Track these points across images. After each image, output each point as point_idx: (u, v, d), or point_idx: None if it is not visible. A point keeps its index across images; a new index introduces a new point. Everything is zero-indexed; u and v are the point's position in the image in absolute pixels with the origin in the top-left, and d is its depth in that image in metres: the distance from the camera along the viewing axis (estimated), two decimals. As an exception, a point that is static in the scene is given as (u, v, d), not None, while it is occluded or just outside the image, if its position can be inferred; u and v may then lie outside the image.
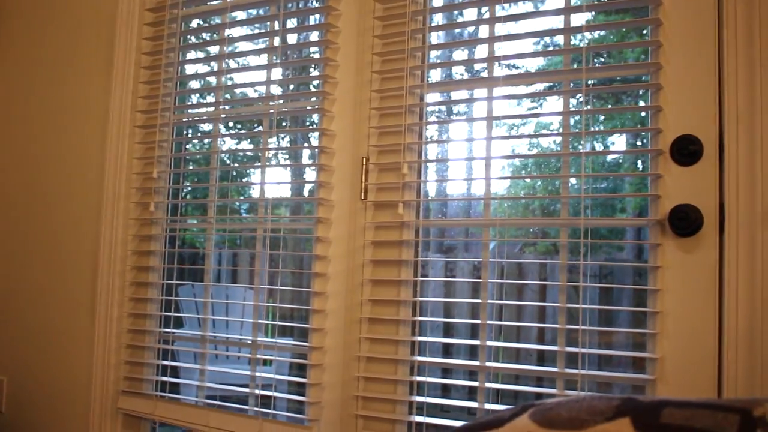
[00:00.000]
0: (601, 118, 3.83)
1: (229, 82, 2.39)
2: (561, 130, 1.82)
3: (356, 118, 2.12)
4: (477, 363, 1.85)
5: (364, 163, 2.08)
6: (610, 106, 3.15)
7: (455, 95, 2.26)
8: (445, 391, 2.27)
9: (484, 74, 1.95)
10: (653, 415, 0.91)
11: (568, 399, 1.02)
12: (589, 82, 1.78)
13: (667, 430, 0.87)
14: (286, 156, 3.42)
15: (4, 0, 2.94)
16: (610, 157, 4.24)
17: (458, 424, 1.24)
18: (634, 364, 1.69)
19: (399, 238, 2.01)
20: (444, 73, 4.03)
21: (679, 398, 0.93)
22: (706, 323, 1.59)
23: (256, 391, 2.15)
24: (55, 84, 2.73)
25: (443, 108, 4.03)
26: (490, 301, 1.86)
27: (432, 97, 2.11)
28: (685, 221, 1.62)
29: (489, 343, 1.85)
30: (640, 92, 1.82)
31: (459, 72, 4.56)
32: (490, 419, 1.06)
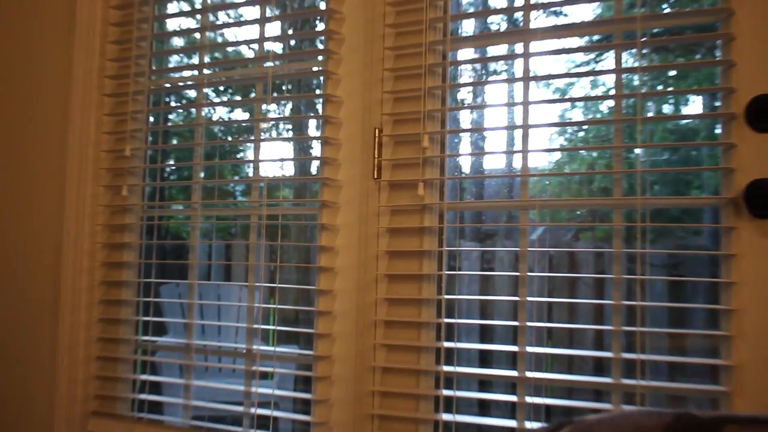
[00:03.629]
0: (671, 74, 3.82)
1: (218, 40, 2.41)
2: (617, 92, 1.83)
3: (367, 82, 2.13)
4: (515, 373, 1.86)
5: (377, 135, 2.09)
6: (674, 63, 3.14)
7: (487, 52, 2.26)
8: (481, 407, 2.28)
9: (523, 25, 1.95)
10: (712, 432, 0.92)
11: (612, 415, 1.03)
12: (647, 33, 1.78)
13: (728, 452, 0.88)
14: (289, 127, 3.44)
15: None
16: (682, 123, 4.21)
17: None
18: (710, 374, 1.69)
19: (420, 224, 2.02)
20: (478, 26, 4.02)
21: (745, 413, 0.94)
22: (790, 323, 1.59)
23: (253, 410, 2.18)
24: (4, 45, 2.75)
25: (474, 68, 4.02)
26: (529, 299, 1.87)
27: (460, 54, 2.11)
28: (764, 199, 1.62)
29: (529, 349, 1.86)
30: (716, 44, 1.81)
31: (496, 22, 4.55)
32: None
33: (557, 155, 3.79)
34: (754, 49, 1.66)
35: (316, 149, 2.22)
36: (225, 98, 3.45)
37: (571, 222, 3.21)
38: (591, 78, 3.83)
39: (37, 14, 2.68)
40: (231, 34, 2.50)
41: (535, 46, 1.92)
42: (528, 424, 1.85)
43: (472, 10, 2.07)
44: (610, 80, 1.83)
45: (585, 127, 4.06)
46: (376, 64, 2.11)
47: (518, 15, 1.95)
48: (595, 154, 3.84)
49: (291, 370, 2.19)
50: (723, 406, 1.65)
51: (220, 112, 4.55)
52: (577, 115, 4.13)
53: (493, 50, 2.10)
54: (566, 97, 2.89)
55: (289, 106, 3.20)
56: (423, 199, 2.01)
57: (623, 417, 1.00)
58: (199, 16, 2.42)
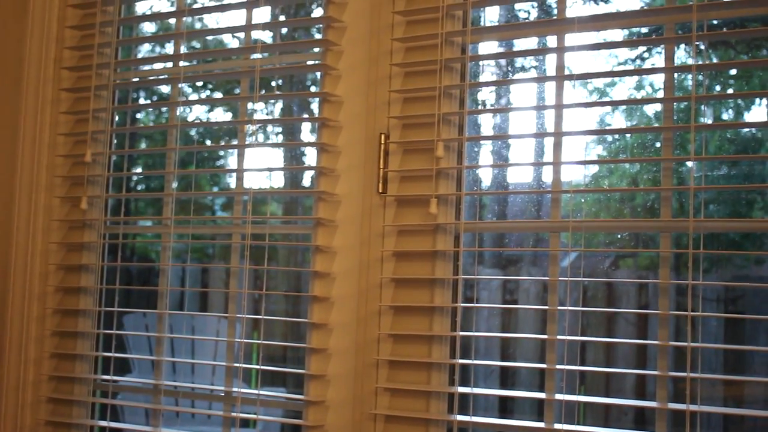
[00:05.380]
0: (731, 74, 3.83)
1: (197, 26, 2.42)
2: (666, 95, 1.83)
3: (372, 79, 2.14)
4: (542, 425, 1.86)
5: (383, 141, 2.09)
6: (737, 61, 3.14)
7: (514, 46, 2.27)
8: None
9: (557, 14, 1.96)
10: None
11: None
12: (704, 27, 1.79)
13: None
14: (279, 131, 3.45)
15: None
16: (744, 132, 4.21)
17: None
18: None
19: (432, 247, 2.02)
20: (504, 15, 4.01)
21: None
22: None
23: (231, 464, 2.18)
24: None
25: (499, 64, 4.03)
26: (559, 337, 1.87)
27: (482, 47, 2.12)
28: (839, 224, 1.62)
29: (558, 396, 1.85)
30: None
31: (525, 10, 4.54)
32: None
33: (594, 168, 3.80)
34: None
35: (311, 157, 2.23)
36: (204, 95, 3.46)
37: (611, 247, 3.21)
38: (637, 77, 3.85)
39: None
40: (212, 20, 2.51)
41: (571, 38, 1.92)
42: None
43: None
44: (659, 80, 1.84)
45: (628, 135, 4.05)
46: (383, 58, 2.11)
47: (551, 1, 1.96)
48: (639, 167, 3.84)
49: (277, 418, 2.20)
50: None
51: (198, 112, 4.57)
52: (619, 120, 4.13)
53: (521, 43, 2.12)
54: (607, 99, 2.90)
55: (280, 105, 3.21)
56: (436, 218, 2.01)
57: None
58: (175, -1, 2.44)
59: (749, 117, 3.98)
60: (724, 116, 3.87)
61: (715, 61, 1.61)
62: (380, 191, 2.09)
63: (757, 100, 3.92)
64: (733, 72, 3.92)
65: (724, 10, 1.80)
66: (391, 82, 2.09)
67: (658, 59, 1.71)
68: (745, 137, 4.09)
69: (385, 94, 2.10)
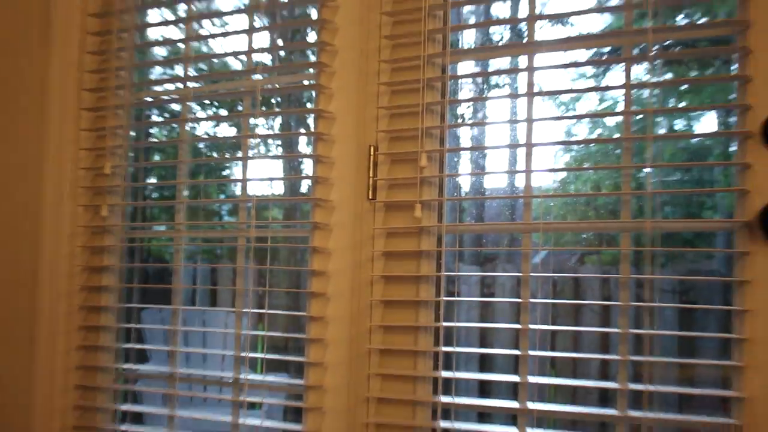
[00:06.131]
0: (683, 90, 3.84)
1: (203, 51, 2.42)
2: (625, 108, 1.84)
3: (361, 96, 2.14)
4: (516, 404, 1.87)
5: (372, 153, 2.10)
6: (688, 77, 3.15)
7: (489, 66, 2.28)
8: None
9: (527, 37, 1.97)
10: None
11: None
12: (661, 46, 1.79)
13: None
14: (278, 144, 3.45)
15: None
16: (695, 142, 4.23)
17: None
18: (722, 406, 1.70)
19: (417, 248, 2.03)
20: (480, 38, 4.02)
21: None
22: (808, 353, 1.60)
23: (239, 443, 2.18)
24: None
25: (475, 82, 4.04)
26: (531, 326, 1.88)
27: (460, 67, 2.13)
28: (779, 223, 1.63)
29: (531, 379, 1.86)
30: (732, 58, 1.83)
31: (498, 33, 4.56)
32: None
33: (562, 174, 3.80)
34: (768, 65, 1.68)
35: (308, 167, 2.23)
36: (210, 112, 3.46)
37: (577, 245, 3.22)
38: (599, 93, 3.86)
39: (8, 23, 2.69)
40: (217, 44, 2.51)
41: (539, 59, 1.93)
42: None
43: (473, 20, 2.07)
44: (619, 95, 1.84)
45: (592, 145, 4.07)
46: (372, 78, 2.12)
47: (522, 26, 1.97)
48: (601, 173, 3.85)
49: (280, 400, 2.20)
50: (736, 441, 1.66)
51: (206, 128, 4.57)
52: (583, 131, 4.14)
53: (495, 63, 2.12)
54: (572, 113, 2.90)
55: (279, 121, 3.21)
56: (420, 222, 2.02)
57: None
58: (183, 26, 2.44)
59: (699, 127, 4.00)
60: (677, 126, 3.89)
61: (669, 77, 1.62)
62: (370, 197, 2.09)
63: (706, 113, 3.95)
64: (685, 88, 3.94)
65: (676, 33, 1.81)
66: (378, 99, 2.10)
67: (618, 76, 1.72)
68: (695, 146, 4.11)
69: (373, 110, 2.10)
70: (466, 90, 3.84)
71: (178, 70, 2.43)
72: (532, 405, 1.85)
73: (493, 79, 4.52)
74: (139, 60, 2.55)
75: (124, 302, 2.47)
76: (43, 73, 2.57)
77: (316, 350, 2.10)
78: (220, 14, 2.40)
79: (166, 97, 2.50)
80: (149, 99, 2.53)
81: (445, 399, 1.96)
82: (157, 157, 4.35)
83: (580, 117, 1.93)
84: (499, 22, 2.35)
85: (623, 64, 1.83)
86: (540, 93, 1.92)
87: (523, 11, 1.92)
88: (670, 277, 1.62)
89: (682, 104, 4.08)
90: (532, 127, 1.90)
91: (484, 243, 4.09)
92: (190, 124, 2.43)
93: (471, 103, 4.23)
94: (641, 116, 1.80)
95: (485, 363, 4.21)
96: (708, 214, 4.04)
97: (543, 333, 1.93)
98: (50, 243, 2.51)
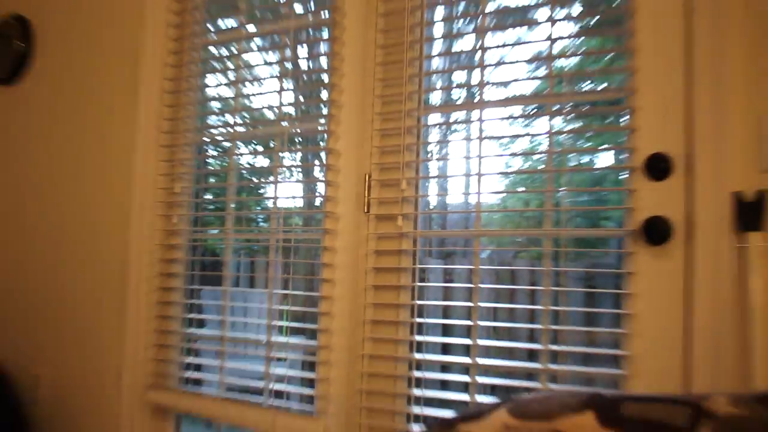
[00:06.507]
0: (588, 135, 3.87)
1: (246, 104, 2.43)
2: (548, 148, 1.85)
3: (360, 139, 2.15)
4: (469, 360, 1.88)
5: (367, 179, 2.11)
6: (590, 126, 3.18)
7: (451, 117, 2.29)
8: (443, 385, 2.30)
9: (478, 98, 1.98)
10: (614, 408, 0.94)
11: (543, 394, 1.05)
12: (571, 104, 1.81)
13: (625, 422, 0.91)
14: (298, 171, 3.44)
15: (41, 35, 2.98)
16: (597, 172, 4.25)
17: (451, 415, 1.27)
18: (614, 361, 1.72)
19: (398, 247, 2.04)
20: (444, 97, 4.04)
21: (638, 393, 0.96)
22: (674, 324, 1.62)
23: (270, 386, 2.18)
24: (89, 109, 2.76)
25: (441, 129, 4.06)
26: (480, 304, 1.89)
27: (430, 118, 2.14)
28: (656, 231, 1.65)
29: (480, 341, 1.88)
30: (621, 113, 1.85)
31: (457, 94, 4.58)
32: (473, 412, 1.09)
33: (502, 195, 3.81)
34: (650, 119, 1.70)
35: (321, 189, 2.24)
36: (251, 148, 3.46)
37: (512, 246, 3.24)
38: (529, 137, 3.87)
39: (112, 85, 2.70)
40: (256, 100, 2.52)
41: (487, 113, 1.94)
42: (478, 399, 1.86)
43: (439, 85, 2.11)
44: (543, 138, 1.86)
45: (523, 174, 4.11)
46: (367, 125, 2.13)
47: (475, 89, 1.98)
48: (530, 194, 3.88)
49: (299, 356, 2.20)
50: (622, 387, 1.67)
51: (247, 159, 4.57)
52: (517, 163, 4.17)
53: (455, 115, 2.13)
54: (509, 151, 2.94)
55: (299, 155, 3.21)
56: (401, 229, 2.03)
57: (551, 396, 1.02)
58: (232, 87, 2.44)
59: (599, 162, 4.03)
60: (584, 161, 3.92)
61: (578, 125, 1.65)
62: (366, 211, 2.10)
63: (605, 152, 3.97)
64: (590, 134, 3.97)
65: (583, 96, 1.83)
66: (372, 140, 2.11)
67: (543, 124, 1.74)
68: (597, 175, 4.14)
69: (368, 149, 2.11)
70: (434, 134, 3.86)
71: (228, 118, 2.44)
72: (480, 360, 1.86)
73: (454, 127, 4.54)
74: (200, 111, 2.55)
75: (188, 284, 2.47)
76: (133, 121, 2.58)
77: (325, 320, 2.10)
78: (258, 79, 2.41)
79: (219, 138, 2.51)
80: (206, 139, 2.54)
81: (418, 355, 1.97)
82: (212, 180, 4.35)
83: (515, 154, 1.94)
84: (459, 86, 2.36)
85: (547, 116, 1.85)
86: (487, 137, 1.93)
87: (476, 78, 1.93)
88: (578, 269, 1.64)
89: (588, 145, 4.11)
90: (481, 161, 1.92)
91: (446, 243, 4.10)
92: (236, 157, 2.44)
93: (438, 144, 4.26)
94: (558, 154, 1.82)
95: (447, 330, 4.22)
96: (605, 224, 4.07)
97: (488, 309, 1.95)
98: (136, 241, 2.52)
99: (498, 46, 1.93)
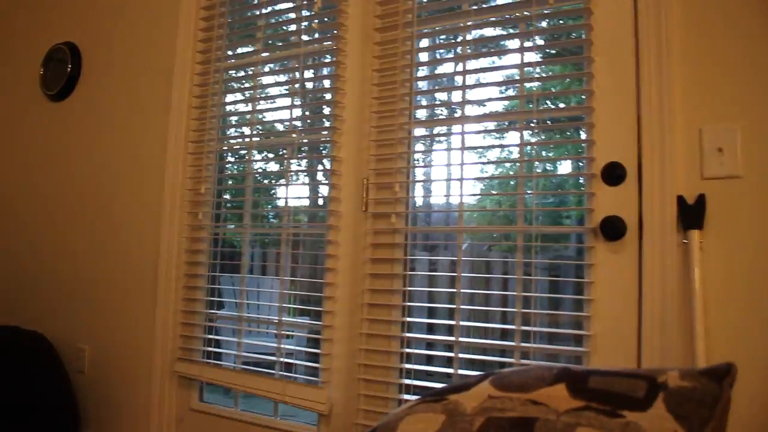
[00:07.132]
0: (553, 146, 3.87)
1: (260, 118, 2.42)
2: (519, 157, 1.85)
3: (359, 148, 2.14)
4: (453, 338, 1.88)
5: (365, 183, 2.10)
6: (555, 139, 3.19)
7: (435, 130, 2.30)
8: (429, 360, 2.30)
9: (459, 114, 1.98)
10: (582, 381, 0.94)
11: (520, 368, 1.05)
12: (538, 120, 1.81)
13: (592, 393, 0.91)
14: (305, 175, 3.44)
15: (87, 59, 2.98)
16: (561, 177, 4.26)
17: (437, 386, 1.27)
18: (576, 339, 1.72)
19: (392, 241, 2.03)
20: (429, 113, 4.04)
21: (603, 368, 0.96)
22: (628, 308, 1.62)
23: (281, 359, 2.18)
24: (128, 122, 2.76)
25: (426, 140, 4.05)
26: (463, 290, 1.89)
27: (418, 131, 2.14)
28: (611, 229, 1.65)
29: (462, 323, 1.87)
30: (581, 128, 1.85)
31: (441, 111, 4.59)
32: (460, 384, 1.09)
33: (479, 197, 3.81)
34: (606, 133, 1.70)
35: (324, 191, 2.23)
36: (264, 155, 3.45)
37: (488, 241, 3.23)
38: (502, 147, 3.87)
39: (148, 101, 2.69)
40: (269, 114, 2.52)
41: (467, 126, 1.94)
42: (460, 372, 1.86)
43: (425, 102, 2.11)
44: (514, 149, 1.86)
45: (498, 179, 4.11)
46: (365, 136, 2.12)
47: (455, 106, 1.98)
48: (504, 196, 3.89)
49: (306, 334, 2.20)
50: (585, 362, 1.68)
51: (261, 164, 4.55)
52: (492, 170, 4.17)
53: (439, 129, 2.13)
54: (485, 159, 2.94)
55: (306, 162, 3.21)
56: (394, 225, 2.02)
57: (528, 370, 1.02)
58: (249, 104, 2.44)
59: (562, 169, 4.03)
60: (549, 168, 3.91)
61: (544, 138, 1.64)
62: (364, 210, 2.09)
63: (568, 160, 4.00)
64: (554, 145, 3.98)
65: (548, 113, 1.83)
66: (369, 149, 2.10)
67: (515, 136, 1.74)
68: (561, 180, 4.15)
69: (366, 156, 2.11)
70: (422, 145, 3.84)
71: (245, 130, 2.43)
72: (461, 339, 1.86)
73: (438, 138, 4.53)
74: (222, 124, 2.55)
75: (210, 272, 2.46)
76: (165, 132, 2.57)
77: (329, 303, 2.10)
78: (271, 97, 2.40)
79: (237, 146, 2.50)
80: (226, 147, 2.53)
81: (407, 335, 1.97)
82: (231, 182, 4.35)
83: (490, 162, 1.95)
84: (442, 104, 2.36)
85: (517, 130, 1.85)
86: (466, 147, 1.93)
87: (457, 98, 1.93)
88: (545, 260, 1.65)
89: (552, 155, 4.11)
90: (462, 168, 1.91)
91: (431, 238, 4.10)
92: (252, 163, 2.43)
93: (425, 153, 4.25)
94: (528, 161, 1.82)
95: (432, 313, 4.22)
96: (568, 222, 4.07)
97: (469, 294, 1.95)
98: (167, 235, 2.51)
99: (475, 71, 1.93)
